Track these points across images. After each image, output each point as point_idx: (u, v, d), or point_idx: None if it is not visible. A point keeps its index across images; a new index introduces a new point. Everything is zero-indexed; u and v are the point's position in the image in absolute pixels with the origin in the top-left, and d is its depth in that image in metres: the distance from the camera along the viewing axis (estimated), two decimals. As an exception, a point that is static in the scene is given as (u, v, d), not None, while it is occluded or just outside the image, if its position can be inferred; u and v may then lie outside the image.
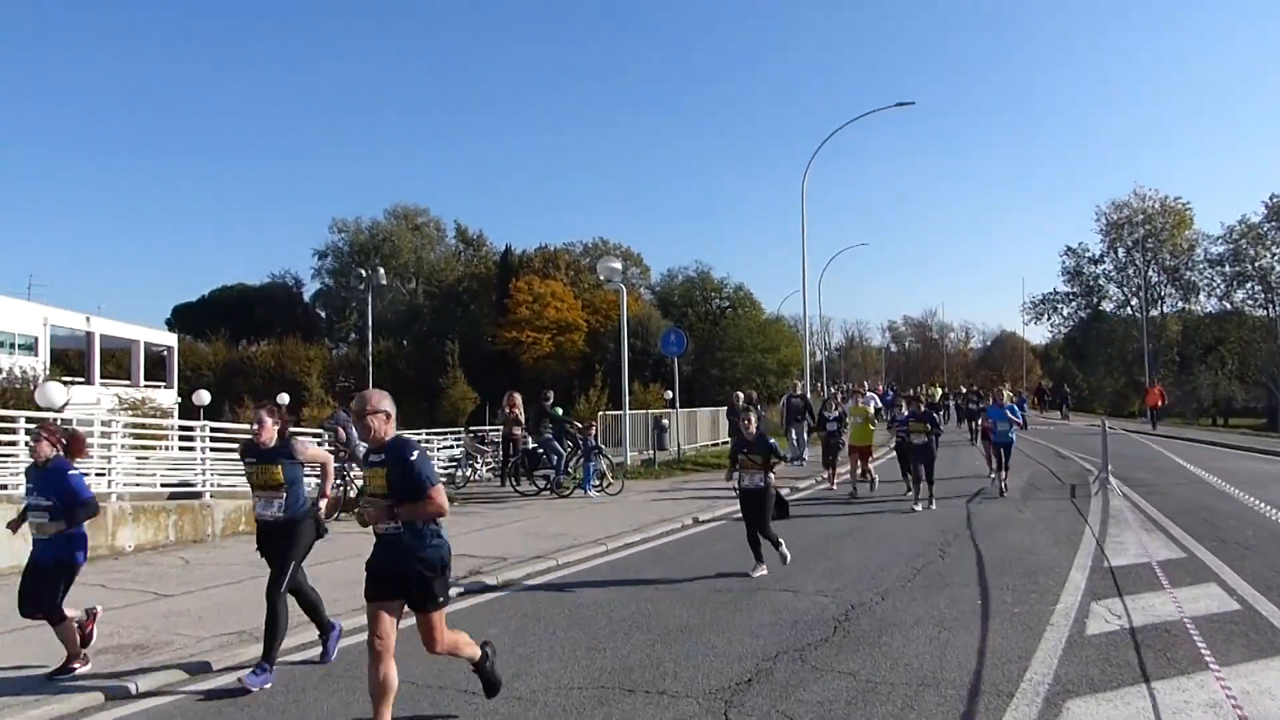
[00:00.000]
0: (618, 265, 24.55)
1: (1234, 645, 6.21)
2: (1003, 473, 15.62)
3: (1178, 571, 8.63)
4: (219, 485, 14.28)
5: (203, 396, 34.99)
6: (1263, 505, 10.27)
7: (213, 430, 14.77)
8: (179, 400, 38.73)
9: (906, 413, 16.02)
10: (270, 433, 6.30)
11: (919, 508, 13.93)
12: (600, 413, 28.07)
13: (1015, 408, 17.55)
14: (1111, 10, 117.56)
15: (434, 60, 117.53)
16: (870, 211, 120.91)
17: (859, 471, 16.83)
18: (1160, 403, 38.52)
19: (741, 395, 22.04)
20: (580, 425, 18.85)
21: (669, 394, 30.72)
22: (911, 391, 41.52)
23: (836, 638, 6.79)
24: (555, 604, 8.34)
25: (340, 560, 9.55)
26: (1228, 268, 62.74)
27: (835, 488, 17.70)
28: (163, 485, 14.10)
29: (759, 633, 6.99)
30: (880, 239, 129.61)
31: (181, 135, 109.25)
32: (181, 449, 16.38)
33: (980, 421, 21.72)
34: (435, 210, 79.82)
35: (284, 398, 34.99)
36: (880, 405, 33.60)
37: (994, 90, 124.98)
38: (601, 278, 25.62)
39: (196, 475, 14.03)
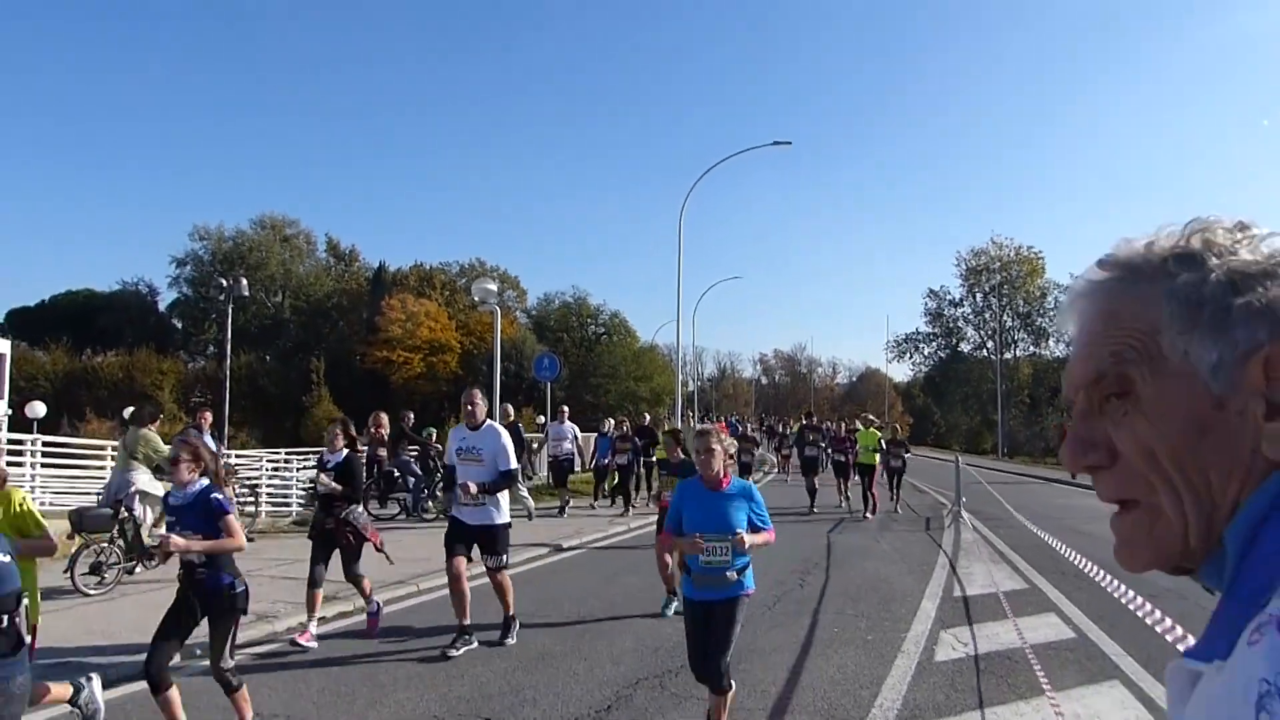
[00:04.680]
0: (493, 287, 24.24)
1: (1068, 671, 6.53)
2: None
3: (1021, 601, 9.04)
4: (52, 504, 13.28)
5: (37, 408, 32.57)
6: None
7: (45, 445, 13.66)
8: (9, 412, 36.08)
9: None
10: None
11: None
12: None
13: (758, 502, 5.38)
14: (973, 70, 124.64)
15: (310, 68, 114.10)
16: (746, 245, 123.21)
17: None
18: None
19: (612, 422, 21.89)
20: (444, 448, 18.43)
21: (541, 419, 30.52)
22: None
23: (697, 665, 6.80)
24: (413, 629, 8.10)
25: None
26: (1076, 316, 66.74)
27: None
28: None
29: (621, 659, 6.95)
30: (754, 273, 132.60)
31: (26, 132, 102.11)
32: (9, 464, 15.11)
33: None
34: (306, 222, 77.19)
35: (130, 412, 33.09)
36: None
37: (867, 136, 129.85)
38: (476, 299, 25.23)
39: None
